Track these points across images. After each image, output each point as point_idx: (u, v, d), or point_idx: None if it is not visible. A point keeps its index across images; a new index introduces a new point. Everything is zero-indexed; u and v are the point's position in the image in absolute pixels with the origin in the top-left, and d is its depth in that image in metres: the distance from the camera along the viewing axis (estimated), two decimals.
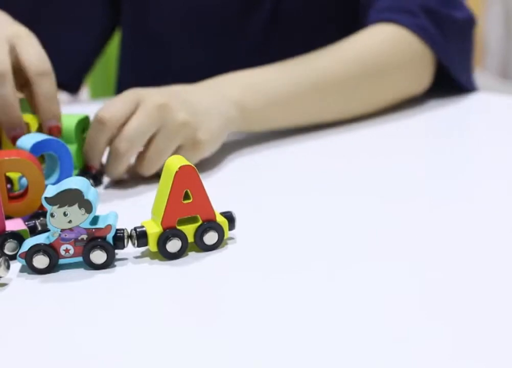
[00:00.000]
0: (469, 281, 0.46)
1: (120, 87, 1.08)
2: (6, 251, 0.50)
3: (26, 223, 0.52)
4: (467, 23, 0.91)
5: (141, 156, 0.65)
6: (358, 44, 0.84)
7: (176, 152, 0.65)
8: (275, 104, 0.76)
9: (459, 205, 0.59)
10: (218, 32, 0.97)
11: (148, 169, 0.65)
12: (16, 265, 0.49)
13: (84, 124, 0.65)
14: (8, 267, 0.47)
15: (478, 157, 0.74)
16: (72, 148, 0.62)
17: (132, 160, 0.65)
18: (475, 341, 0.39)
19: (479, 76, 1.03)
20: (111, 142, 0.64)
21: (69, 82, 0.99)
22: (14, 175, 0.58)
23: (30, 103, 0.65)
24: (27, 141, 0.58)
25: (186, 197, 0.50)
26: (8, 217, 0.53)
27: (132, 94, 0.65)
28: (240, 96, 0.73)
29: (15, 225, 0.52)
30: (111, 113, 0.63)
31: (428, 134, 0.83)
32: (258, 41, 0.96)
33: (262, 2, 0.93)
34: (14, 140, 0.60)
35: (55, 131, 0.63)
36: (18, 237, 0.51)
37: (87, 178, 0.54)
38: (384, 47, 0.84)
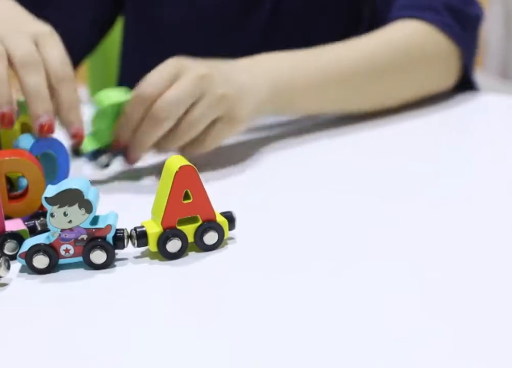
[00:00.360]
0: (469, 281, 0.46)
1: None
2: (6, 251, 0.50)
3: (26, 223, 0.52)
4: (479, 20, 0.92)
5: (170, 132, 0.65)
6: (386, 37, 0.84)
7: (211, 124, 0.66)
8: (304, 89, 0.76)
9: (459, 205, 0.59)
10: (218, 32, 0.97)
11: (179, 139, 0.65)
12: (16, 265, 0.49)
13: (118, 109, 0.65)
14: (8, 267, 0.47)
15: (478, 157, 0.74)
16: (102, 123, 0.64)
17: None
18: (476, 341, 0.39)
19: (479, 76, 1.03)
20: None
21: None
22: (14, 175, 0.58)
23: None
24: (27, 140, 0.58)
25: (186, 197, 0.50)
26: (8, 217, 0.53)
27: (174, 65, 0.65)
28: (274, 79, 0.74)
29: (14, 225, 0.52)
30: (151, 89, 0.63)
31: (428, 134, 0.83)
32: (258, 41, 0.96)
33: (262, 2, 0.93)
34: (1, 119, 0.59)
35: (78, 138, 0.62)
36: (18, 237, 0.50)
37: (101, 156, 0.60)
38: (412, 40, 0.85)
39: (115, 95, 0.66)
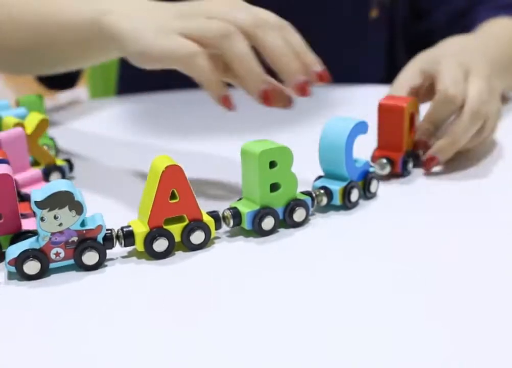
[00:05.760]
0: None
1: (121, 87, 1.09)
2: None
3: None
4: None
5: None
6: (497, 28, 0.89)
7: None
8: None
9: None
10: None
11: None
12: (3, 272, 0.49)
13: None
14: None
15: None
16: None
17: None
18: (475, 341, 0.38)
19: None
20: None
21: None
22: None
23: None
24: None
25: (173, 196, 0.50)
26: (25, 216, 0.53)
27: (458, 65, 0.68)
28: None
29: (31, 223, 0.52)
30: (454, 90, 0.66)
31: None
32: None
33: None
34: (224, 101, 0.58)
35: (324, 79, 0.59)
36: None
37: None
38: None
39: None
